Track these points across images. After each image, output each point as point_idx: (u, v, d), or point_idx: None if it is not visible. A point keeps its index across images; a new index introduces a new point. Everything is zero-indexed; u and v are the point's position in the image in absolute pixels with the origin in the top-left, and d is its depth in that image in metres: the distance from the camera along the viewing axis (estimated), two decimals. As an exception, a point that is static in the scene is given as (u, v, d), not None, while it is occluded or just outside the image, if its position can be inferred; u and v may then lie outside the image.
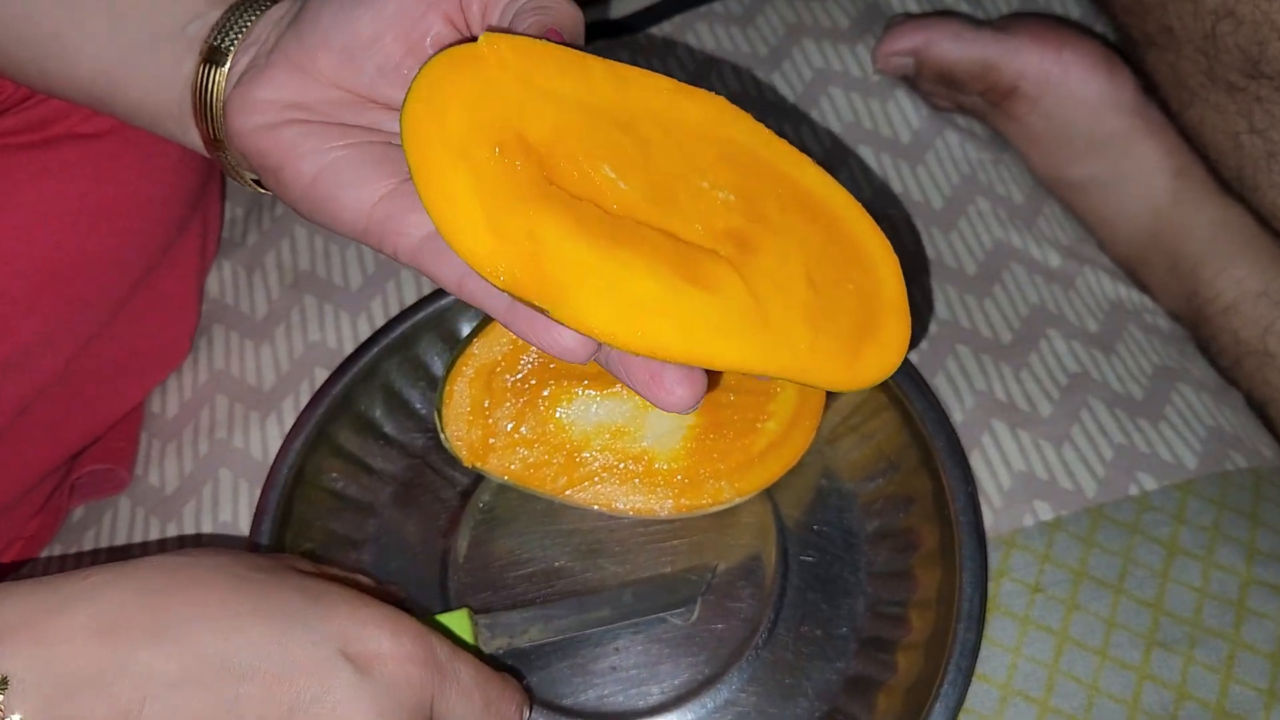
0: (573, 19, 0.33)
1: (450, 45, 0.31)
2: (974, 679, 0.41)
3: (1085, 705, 0.41)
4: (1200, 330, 0.53)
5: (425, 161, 0.30)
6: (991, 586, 0.44)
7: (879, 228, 0.35)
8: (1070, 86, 0.54)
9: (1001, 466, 0.47)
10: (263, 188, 0.38)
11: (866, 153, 0.57)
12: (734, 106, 0.34)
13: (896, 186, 0.56)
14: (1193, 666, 0.41)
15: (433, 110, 0.30)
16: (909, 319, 0.35)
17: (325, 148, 0.33)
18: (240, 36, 0.36)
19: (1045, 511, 0.45)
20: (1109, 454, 0.47)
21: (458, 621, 0.39)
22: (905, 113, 0.58)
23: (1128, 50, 0.55)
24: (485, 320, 0.45)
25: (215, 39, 0.36)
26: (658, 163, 0.32)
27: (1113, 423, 0.48)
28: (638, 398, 0.44)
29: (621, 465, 0.43)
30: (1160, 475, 0.46)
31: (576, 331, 0.30)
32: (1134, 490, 0.46)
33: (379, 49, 0.33)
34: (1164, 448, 0.47)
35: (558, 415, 0.44)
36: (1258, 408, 0.51)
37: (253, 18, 0.36)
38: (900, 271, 0.35)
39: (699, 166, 0.33)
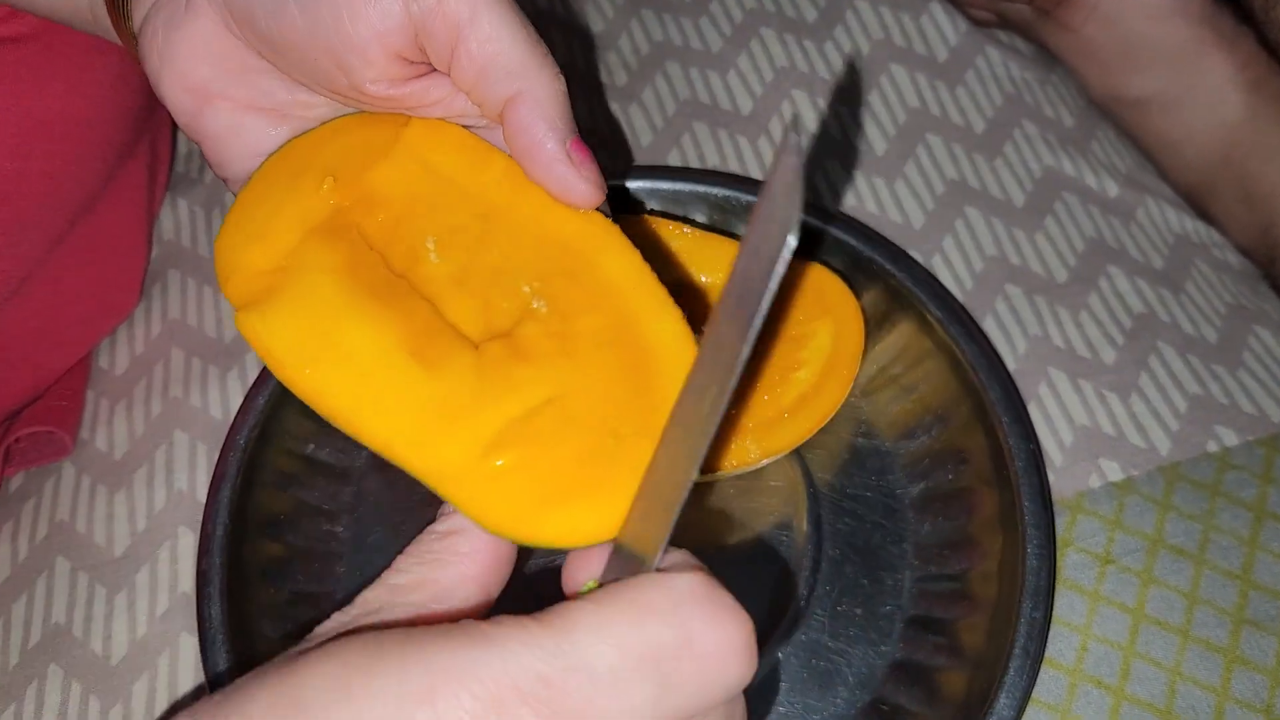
0: (552, 93, 0.29)
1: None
2: (1048, 664, 0.36)
3: (1167, 693, 0.36)
4: (1277, 266, 0.47)
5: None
6: (1059, 552, 0.38)
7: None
8: (1133, -9, 0.48)
9: (1062, 420, 0.41)
10: None
11: (899, 73, 0.51)
12: (613, 231, 0.30)
13: (934, 109, 0.50)
14: (1288, 646, 0.36)
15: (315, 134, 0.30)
16: (622, 507, 0.26)
17: (248, 149, 0.30)
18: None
19: (1114, 471, 0.40)
20: (1183, 406, 0.41)
21: None
22: (941, 27, 0.52)
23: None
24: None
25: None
26: (490, 257, 0.30)
27: (1186, 370, 0.42)
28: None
29: (631, 423, 0.38)
30: (1242, 429, 0.41)
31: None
32: (1213, 446, 0.40)
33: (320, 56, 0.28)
34: (1244, 398, 0.42)
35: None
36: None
37: None
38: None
39: (537, 275, 0.29)
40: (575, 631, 0.22)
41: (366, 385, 0.27)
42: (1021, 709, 0.33)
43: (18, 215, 0.40)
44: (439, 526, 0.26)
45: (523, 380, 0.27)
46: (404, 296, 0.28)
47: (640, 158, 0.49)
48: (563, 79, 0.29)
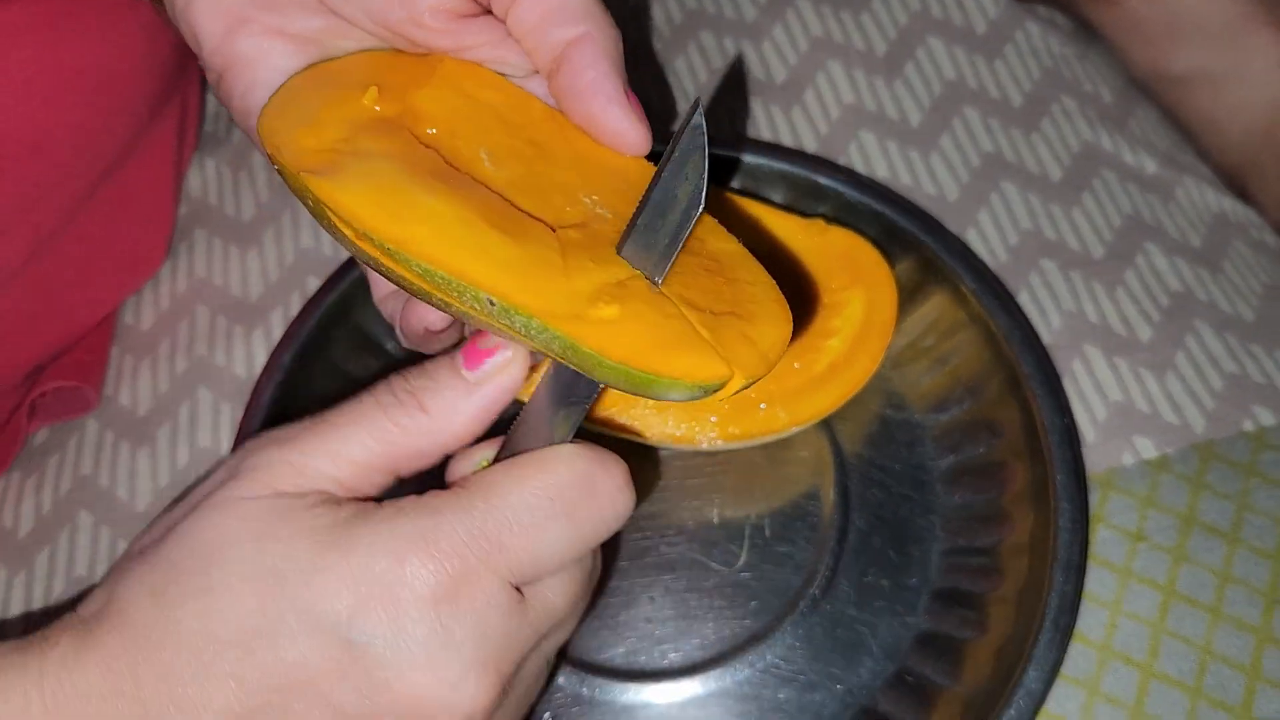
0: (613, 38, 0.29)
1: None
2: (1078, 638, 0.36)
3: (1197, 671, 0.35)
4: (1317, 249, 0.46)
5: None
6: (1090, 528, 0.38)
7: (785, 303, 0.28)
8: (1178, -34, 0.47)
9: (1096, 397, 0.41)
10: None
11: (936, 45, 0.50)
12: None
13: (971, 83, 0.49)
14: (1325, 629, 0.36)
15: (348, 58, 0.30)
16: (727, 368, 0.26)
17: (282, 65, 0.29)
18: None
19: (1147, 449, 0.39)
20: (1219, 384, 0.41)
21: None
22: (985, 4, 0.51)
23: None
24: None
25: None
26: (547, 169, 0.29)
27: (1222, 348, 0.42)
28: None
29: (660, 387, 0.37)
30: (1278, 408, 0.40)
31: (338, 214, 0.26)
32: (1249, 425, 0.40)
33: None
34: (1282, 378, 0.41)
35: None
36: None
37: None
38: (788, 327, 0.28)
39: (597, 190, 0.29)
40: (497, 489, 0.27)
41: (458, 241, 0.26)
42: (1050, 682, 0.33)
43: (48, 168, 0.39)
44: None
45: (606, 258, 0.27)
46: (471, 185, 0.27)
47: (675, 127, 0.49)
48: (617, 39, 0.29)
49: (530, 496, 0.27)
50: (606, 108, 0.28)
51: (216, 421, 0.42)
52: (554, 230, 0.27)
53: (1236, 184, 0.48)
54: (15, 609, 0.40)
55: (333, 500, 0.27)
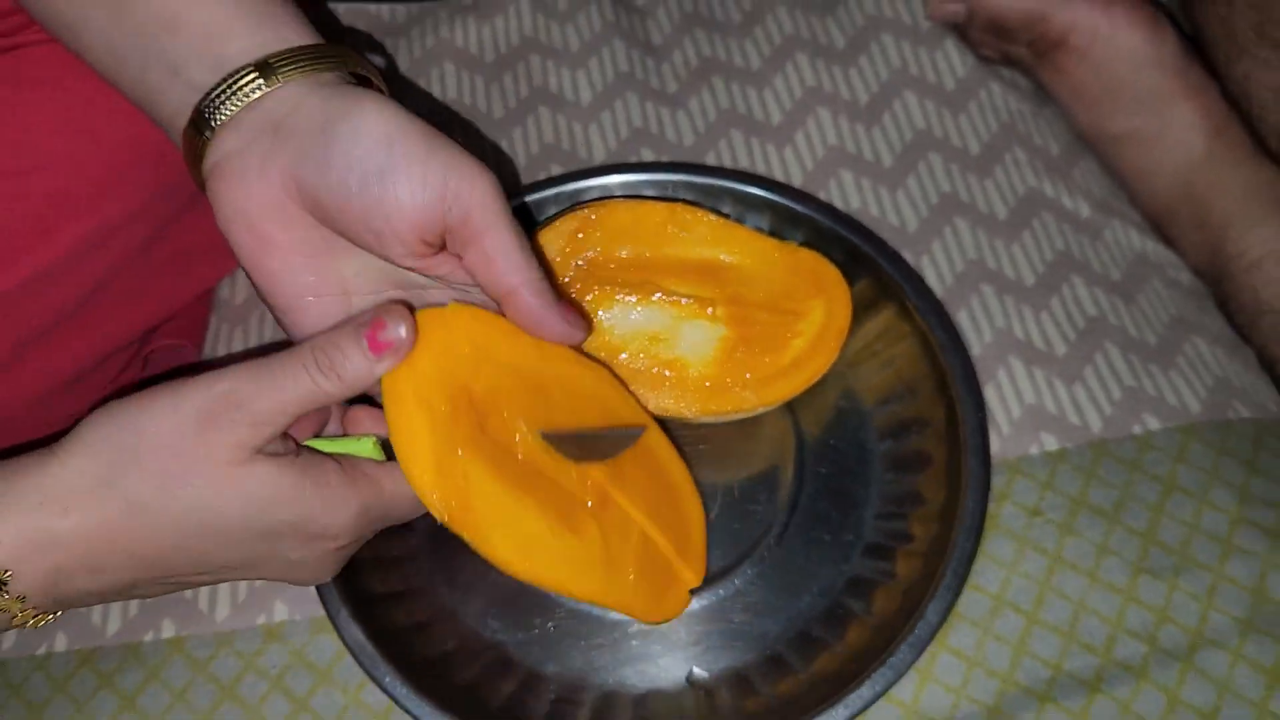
0: (541, 286, 0.39)
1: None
2: (970, 589, 0.45)
3: (1070, 620, 0.44)
4: (1222, 286, 0.54)
5: (398, 401, 0.38)
6: (994, 508, 0.46)
7: (690, 481, 0.46)
8: (1117, 42, 0.56)
9: (1014, 399, 0.49)
10: None
11: (910, 98, 0.59)
12: (612, 378, 0.45)
13: (937, 132, 0.58)
14: (1176, 593, 0.44)
15: (408, 361, 0.38)
16: (703, 563, 0.45)
17: (291, 264, 0.39)
18: (229, 121, 0.38)
19: (1051, 443, 0.48)
20: (1117, 394, 0.49)
21: (365, 448, 0.41)
22: (952, 62, 0.60)
23: (1178, 6, 0.56)
24: (540, 225, 0.48)
25: (206, 112, 0.38)
26: (557, 418, 0.42)
27: (1124, 366, 0.50)
28: (674, 308, 0.47)
29: (655, 370, 0.47)
30: (1165, 417, 0.49)
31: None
32: (1138, 429, 0.48)
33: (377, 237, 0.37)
34: (1171, 393, 0.50)
35: (603, 319, 0.47)
36: (1268, 365, 0.53)
37: (238, 103, 0.37)
38: (702, 521, 0.45)
39: (585, 420, 0.43)
40: (385, 497, 0.40)
41: (562, 567, 0.40)
42: (944, 616, 0.42)
43: (166, 172, 0.49)
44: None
45: (619, 521, 0.42)
46: (533, 479, 0.40)
47: (683, 156, 0.58)
48: (543, 273, 0.39)
49: (393, 506, 0.39)
50: (555, 329, 0.39)
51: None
52: (589, 505, 0.42)
53: (1160, 228, 0.57)
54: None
55: (280, 452, 0.37)
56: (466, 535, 0.38)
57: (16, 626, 0.36)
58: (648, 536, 0.43)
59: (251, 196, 0.37)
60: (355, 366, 0.37)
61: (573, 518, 0.41)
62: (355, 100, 0.37)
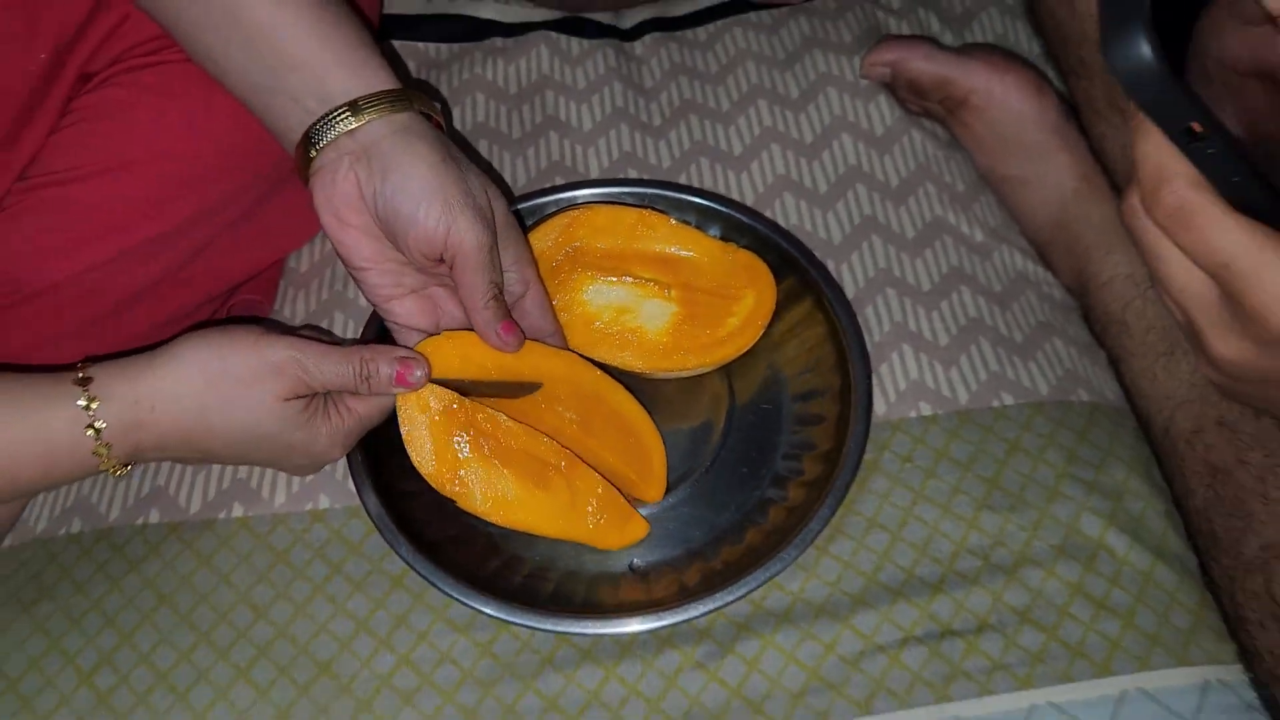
0: (492, 309, 0.54)
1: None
2: (852, 513, 0.58)
3: (925, 540, 0.57)
4: (1084, 300, 0.68)
5: (405, 408, 0.55)
6: (876, 455, 0.60)
7: (651, 425, 0.60)
8: (1009, 103, 0.70)
9: (901, 375, 0.63)
10: None
11: (846, 140, 0.73)
12: (583, 360, 0.60)
13: (865, 167, 0.72)
14: (1009, 525, 0.57)
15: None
16: (663, 484, 0.59)
17: (366, 250, 0.54)
18: (327, 145, 0.52)
19: (926, 409, 0.62)
20: (984, 377, 0.63)
21: None
22: (883, 112, 0.74)
23: (1058, 77, 0.70)
24: (529, 223, 0.62)
25: (315, 134, 0.52)
26: (534, 404, 0.58)
27: (992, 356, 0.64)
28: (639, 289, 0.62)
29: (621, 334, 0.61)
30: (1018, 396, 0.62)
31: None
32: (996, 403, 0.62)
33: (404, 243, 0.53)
34: (1027, 378, 0.63)
35: (583, 294, 0.61)
36: (1114, 364, 0.66)
37: (335, 130, 0.52)
38: (662, 453, 0.60)
39: (559, 399, 0.58)
40: (360, 417, 0.57)
41: (535, 514, 0.55)
42: (825, 523, 0.55)
43: (252, 172, 0.64)
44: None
45: (584, 477, 0.56)
46: (512, 453, 0.56)
47: (660, 176, 0.72)
48: (494, 299, 0.54)
49: (367, 420, 0.56)
50: (491, 341, 0.55)
51: (345, 333, 0.66)
52: (561, 466, 0.57)
53: (1040, 254, 0.71)
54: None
55: (307, 402, 0.53)
56: (454, 499, 0.54)
57: (103, 472, 0.52)
58: (610, 487, 0.57)
59: (337, 194, 0.52)
60: (381, 385, 0.54)
61: (544, 478, 0.56)
62: (414, 151, 0.52)
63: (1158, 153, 0.36)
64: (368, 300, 0.56)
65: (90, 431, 0.50)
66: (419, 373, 0.54)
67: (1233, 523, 0.55)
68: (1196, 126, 0.33)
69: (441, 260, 0.53)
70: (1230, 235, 0.35)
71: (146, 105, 0.60)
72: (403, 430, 0.54)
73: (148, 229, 0.60)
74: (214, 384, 0.51)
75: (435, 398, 0.55)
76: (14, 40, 0.56)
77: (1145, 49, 0.31)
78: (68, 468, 0.51)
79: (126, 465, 0.53)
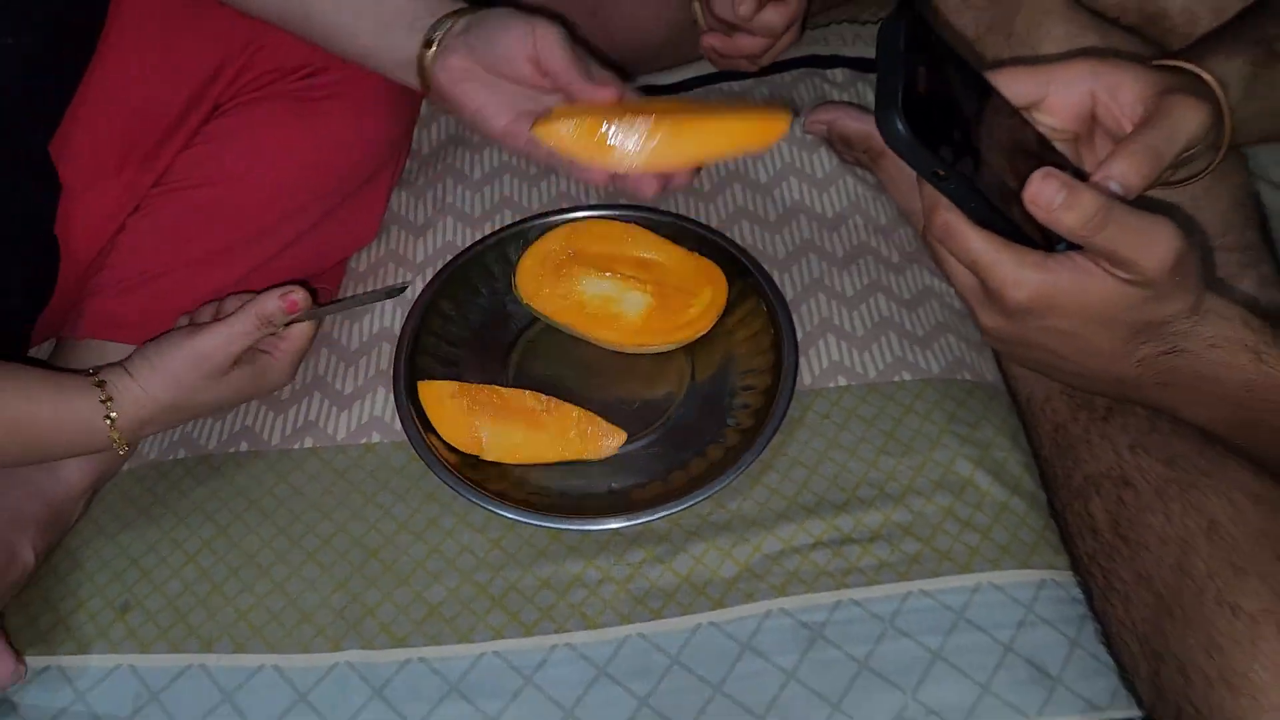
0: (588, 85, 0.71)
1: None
2: (780, 455, 0.76)
3: (835, 474, 0.75)
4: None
5: (431, 394, 0.76)
6: (801, 414, 0.78)
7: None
8: (919, 156, 0.89)
9: (825, 357, 0.81)
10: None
11: (793, 181, 0.92)
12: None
13: (806, 203, 0.91)
14: (900, 465, 0.75)
15: (436, 386, 0.77)
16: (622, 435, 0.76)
17: (482, 95, 0.71)
18: (442, 35, 0.71)
19: (842, 381, 0.80)
20: (890, 360, 0.81)
21: None
22: (823, 160, 0.94)
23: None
24: (541, 231, 0.81)
25: (430, 35, 0.71)
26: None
27: (898, 346, 0.82)
28: (622, 283, 0.80)
29: (606, 316, 0.79)
30: (914, 374, 0.80)
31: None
32: (897, 379, 0.80)
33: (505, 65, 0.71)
34: (923, 362, 0.81)
35: (579, 284, 0.80)
36: (996, 357, 0.84)
37: (445, 26, 0.71)
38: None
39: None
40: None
41: (527, 448, 0.74)
42: (752, 462, 0.72)
43: (342, 187, 0.83)
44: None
45: (562, 417, 0.76)
46: (510, 410, 0.75)
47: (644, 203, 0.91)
48: (579, 62, 0.70)
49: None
50: (590, 95, 0.70)
51: (394, 320, 0.85)
52: (544, 413, 0.75)
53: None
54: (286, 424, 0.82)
55: (244, 360, 0.74)
56: (477, 454, 0.73)
57: (113, 446, 0.70)
58: (585, 412, 0.75)
59: (451, 64, 0.70)
60: (279, 320, 0.73)
61: (536, 421, 0.74)
62: (494, 11, 0.70)
63: (929, 192, 0.54)
64: (495, 138, 0.72)
65: (107, 420, 0.69)
66: (295, 296, 0.73)
67: (1066, 464, 0.72)
68: (940, 171, 0.51)
69: (538, 70, 0.68)
70: (974, 242, 0.53)
71: (253, 132, 0.79)
72: (429, 415, 0.74)
73: (248, 227, 0.80)
74: (179, 384, 0.71)
75: (445, 389, 0.74)
76: (165, 83, 0.76)
77: (900, 126, 0.47)
78: (88, 442, 0.70)
79: (130, 443, 0.72)
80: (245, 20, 0.75)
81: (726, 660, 0.67)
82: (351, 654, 0.67)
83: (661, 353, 0.80)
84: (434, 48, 0.71)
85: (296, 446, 0.78)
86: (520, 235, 0.85)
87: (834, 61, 1.02)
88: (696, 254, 0.82)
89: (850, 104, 0.95)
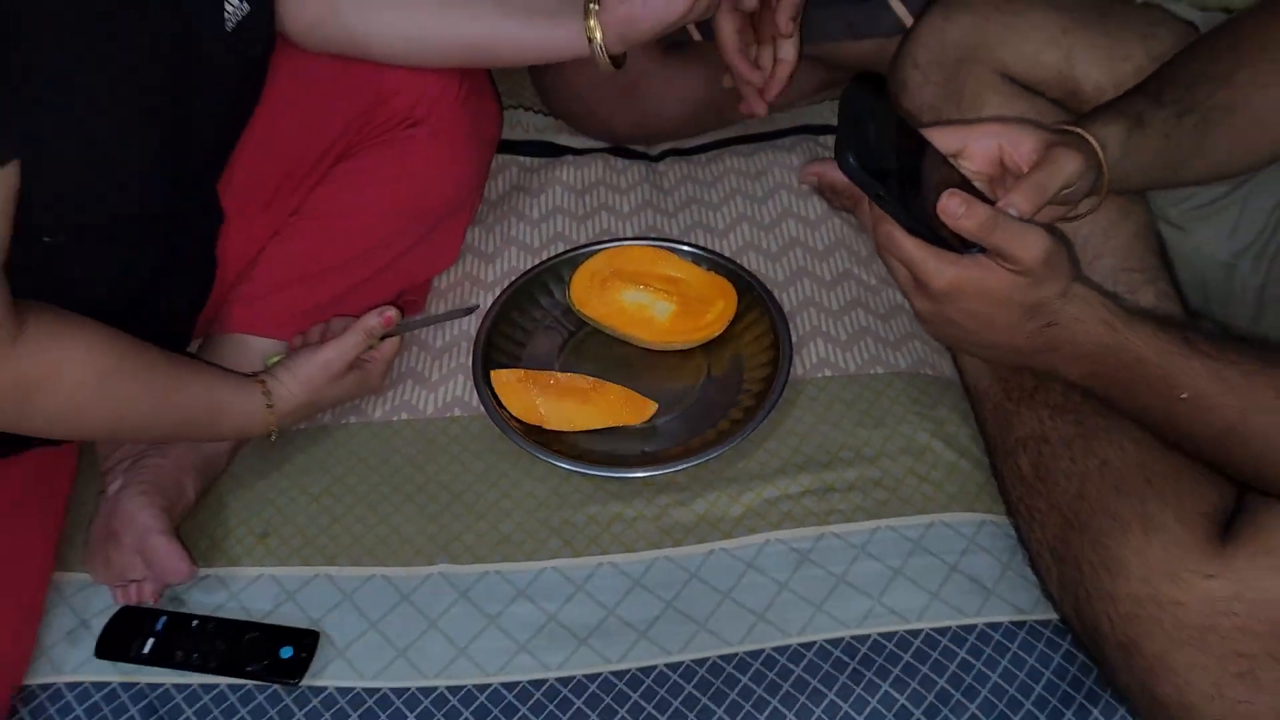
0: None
1: None
2: (779, 428, 0.95)
3: (821, 441, 0.94)
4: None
5: (501, 380, 0.98)
6: (794, 397, 0.98)
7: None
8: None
9: (814, 355, 1.01)
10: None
11: (791, 222, 1.14)
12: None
13: (801, 239, 1.13)
14: (873, 435, 0.94)
15: (502, 373, 0.98)
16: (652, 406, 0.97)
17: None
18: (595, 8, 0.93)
19: (828, 373, 1.00)
20: (866, 357, 1.01)
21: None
22: (816, 206, 1.15)
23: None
24: (588, 255, 1.03)
25: (588, 5, 0.93)
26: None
27: (874, 347, 1.02)
28: (652, 293, 1.01)
29: (640, 319, 1.00)
30: (887, 368, 1.00)
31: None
32: (872, 372, 1.00)
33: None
34: (894, 359, 1.01)
35: (620, 295, 1.01)
36: (954, 357, 1.04)
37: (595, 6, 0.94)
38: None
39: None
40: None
41: (578, 418, 0.95)
42: (753, 430, 0.92)
43: (422, 212, 1.05)
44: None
45: (605, 392, 0.98)
46: (564, 390, 0.96)
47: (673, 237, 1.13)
48: None
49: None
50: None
51: (472, 327, 1.06)
52: (592, 392, 0.97)
53: (913, 295, 1.10)
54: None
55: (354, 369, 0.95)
56: (539, 424, 0.93)
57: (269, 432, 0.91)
58: (624, 389, 0.95)
59: (611, 21, 0.93)
60: (377, 333, 0.93)
61: (584, 397, 0.94)
62: None
63: (876, 211, 0.75)
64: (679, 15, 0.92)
65: (269, 407, 0.89)
66: (390, 313, 0.93)
67: (1002, 432, 0.92)
68: (881, 194, 0.70)
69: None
70: (906, 246, 0.73)
71: (365, 174, 1.01)
72: (499, 394, 0.94)
73: (357, 249, 1.01)
74: (311, 385, 0.90)
75: (512, 375, 0.96)
76: (309, 134, 0.99)
77: (850, 159, 0.67)
78: (251, 427, 0.89)
79: (280, 429, 0.92)
80: (373, 80, 0.98)
81: (734, 575, 0.86)
82: (442, 567, 0.87)
83: (683, 350, 1.01)
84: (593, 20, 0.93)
85: (395, 419, 0.99)
86: (571, 260, 1.07)
87: (825, 130, 1.24)
88: (713, 273, 1.04)
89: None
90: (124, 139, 0.78)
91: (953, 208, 0.69)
